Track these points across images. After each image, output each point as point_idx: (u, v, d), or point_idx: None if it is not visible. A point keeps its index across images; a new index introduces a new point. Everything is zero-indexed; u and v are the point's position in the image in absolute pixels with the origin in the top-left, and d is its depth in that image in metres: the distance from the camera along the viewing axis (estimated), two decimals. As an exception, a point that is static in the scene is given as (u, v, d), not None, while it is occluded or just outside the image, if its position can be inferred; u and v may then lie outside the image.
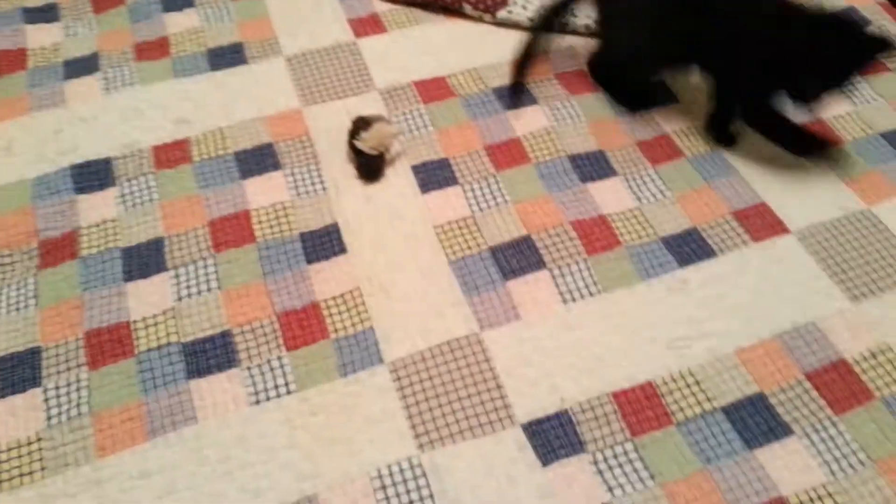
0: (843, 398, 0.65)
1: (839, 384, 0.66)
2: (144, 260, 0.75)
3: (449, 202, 0.80)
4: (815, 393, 0.66)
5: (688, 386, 0.67)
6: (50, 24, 1.00)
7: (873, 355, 0.68)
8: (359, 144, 0.81)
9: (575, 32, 0.97)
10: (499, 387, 0.67)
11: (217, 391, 0.67)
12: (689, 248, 0.76)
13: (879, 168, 0.82)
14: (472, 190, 0.81)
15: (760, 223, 0.78)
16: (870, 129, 0.86)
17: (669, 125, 0.87)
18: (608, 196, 0.80)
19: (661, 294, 0.73)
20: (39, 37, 0.98)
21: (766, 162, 0.83)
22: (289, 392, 0.67)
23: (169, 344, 0.69)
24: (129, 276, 0.74)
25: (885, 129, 0.86)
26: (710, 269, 0.74)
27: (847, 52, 0.70)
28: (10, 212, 0.79)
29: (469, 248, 0.76)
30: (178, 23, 1.00)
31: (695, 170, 0.83)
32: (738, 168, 0.83)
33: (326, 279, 0.74)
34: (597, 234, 0.77)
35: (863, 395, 0.65)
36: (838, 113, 0.88)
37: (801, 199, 0.80)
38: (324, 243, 0.77)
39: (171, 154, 0.85)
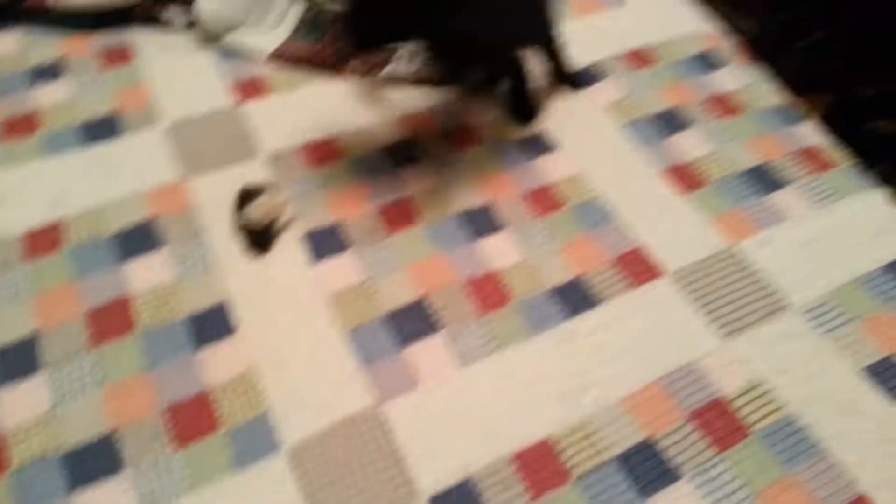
0: (724, 436, 0.69)
1: (719, 422, 0.70)
2: (17, 362, 0.71)
3: (342, 269, 0.80)
4: (698, 433, 0.69)
5: (584, 438, 0.69)
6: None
7: (746, 391, 0.72)
8: (244, 217, 0.80)
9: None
10: (400, 461, 0.67)
11: (102, 503, 0.64)
12: (575, 297, 0.79)
13: (741, 206, 0.88)
14: (364, 254, 0.81)
15: (639, 268, 0.82)
16: (731, 168, 0.92)
17: (552, 176, 0.90)
18: (497, 251, 0.82)
19: (552, 347, 0.75)
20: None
21: (642, 205, 0.87)
22: (178, 497, 0.64)
23: (46, 457, 0.66)
24: (2, 379, 0.70)
25: (744, 168, 0.92)
26: (595, 318, 0.77)
27: None
28: None
29: (364, 315, 0.76)
30: (45, 95, 0.96)
31: (577, 219, 0.86)
32: (618, 213, 0.87)
33: (216, 363, 0.72)
34: (488, 291, 0.79)
35: (739, 431, 0.69)
36: (701, 154, 0.93)
37: (673, 240, 0.84)
38: (212, 324, 0.75)
39: (43, 241, 0.80)
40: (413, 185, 0.89)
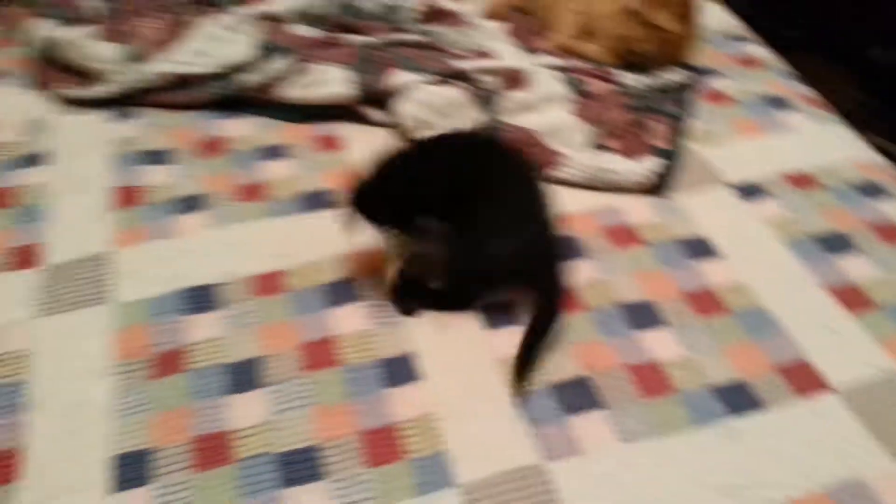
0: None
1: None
2: (244, 376, 0.85)
3: (513, 339, 0.89)
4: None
5: (741, 530, 0.72)
6: (163, 166, 1.15)
7: (920, 514, 0.73)
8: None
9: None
10: (562, 515, 0.73)
11: (308, 501, 0.74)
12: (738, 397, 0.83)
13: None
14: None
15: (805, 380, 0.85)
16: (899, 294, 0.95)
17: (714, 280, 0.97)
18: (658, 344, 0.89)
19: (715, 442, 0.79)
20: (157, 177, 1.13)
21: (808, 320, 0.91)
22: (372, 508, 0.73)
23: (265, 454, 0.77)
24: (231, 389, 0.84)
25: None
26: (761, 421, 0.81)
27: None
28: (129, 327, 0.90)
29: (532, 383, 0.84)
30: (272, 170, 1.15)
31: (740, 324, 0.91)
32: (782, 324, 0.91)
33: (402, 403, 0.82)
34: (650, 379, 0.85)
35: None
36: (869, 277, 0.97)
37: (840, 358, 0.87)
38: (400, 370, 0.86)
39: (268, 284, 0.96)
40: (577, 274, 0.97)
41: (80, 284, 0.96)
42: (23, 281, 0.96)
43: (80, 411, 0.82)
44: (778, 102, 1.27)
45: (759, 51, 1.44)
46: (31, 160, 1.14)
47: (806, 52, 2.55)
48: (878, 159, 1.18)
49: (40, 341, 0.89)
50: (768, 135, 1.21)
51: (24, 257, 0.99)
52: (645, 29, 1.26)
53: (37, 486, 0.76)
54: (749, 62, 1.39)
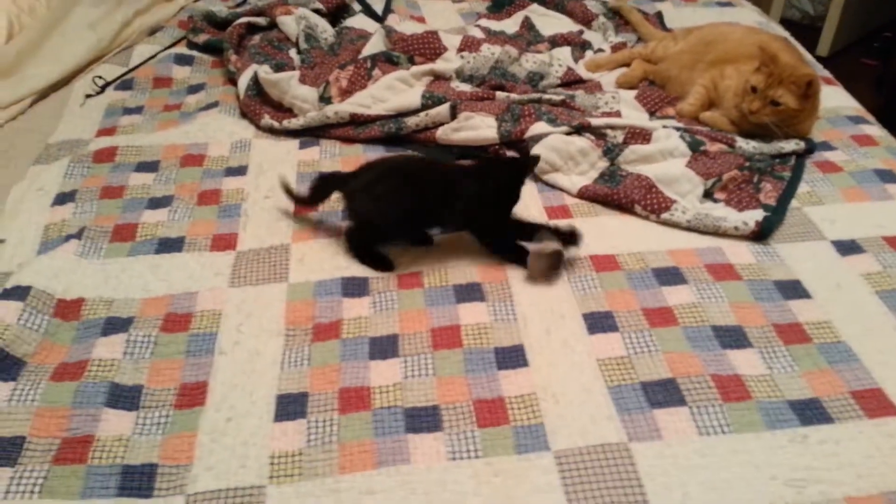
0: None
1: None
2: (384, 347, 1.04)
3: (610, 344, 1.03)
4: (915, 545, 0.77)
5: (802, 518, 0.81)
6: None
7: (970, 526, 0.79)
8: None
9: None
10: (640, 485, 0.85)
11: (426, 445, 0.91)
12: (810, 412, 0.92)
13: None
14: (630, 337, 1.04)
15: (875, 404, 0.93)
16: None
17: (802, 317, 1.07)
18: (743, 362, 1.00)
19: (784, 443, 0.89)
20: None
21: (887, 357, 0.99)
22: (477, 457, 0.89)
23: (396, 406, 0.96)
24: (373, 356, 1.03)
25: None
26: (828, 432, 0.90)
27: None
28: (298, 301, 1.13)
29: (623, 379, 0.98)
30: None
31: (821, 353, 1.01)
32: (861, 358, 0.99)
33: (511, 383, 0.98)
34: (732, 387, 0.96)
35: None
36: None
37: (914, 389, 0.95)
38: (511, 357, 1.02)
39: (408, 281, 1.16)
40: (673, 298, 1.10)
41: (263, 266, 1.20)
42: (221, 260, 1.22)
43: (256, 359, 1.05)
44: (885, 175, 1.35)
45: (876, 130, 1.52)
46: (236, 171, 1.43)
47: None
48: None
49: (230, 305, 1.13)
50: (872, 202, 1.29)
51: (224, 242, 1.26)
52: (765, 104, 1.39)
53: (219, 410, 0.98)
54: (864, 140, 1.48)
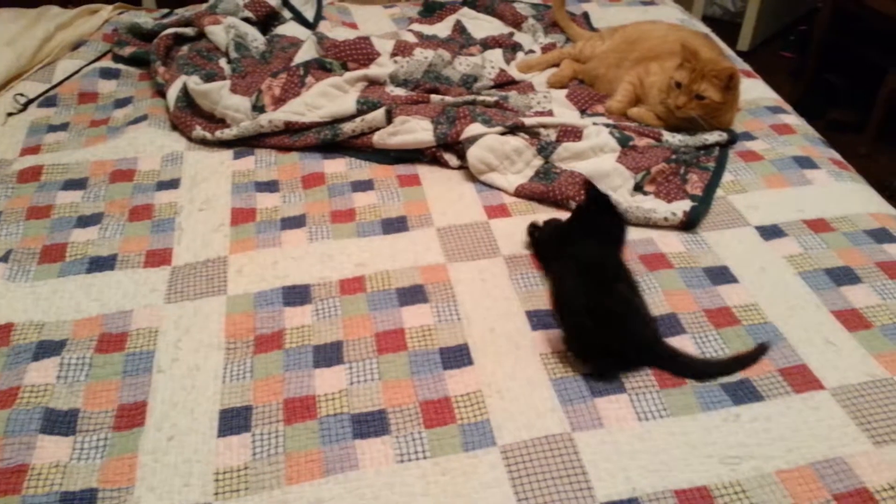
0: (865, 518, 0.81)
1: (861, 506, 0.82)
2: (328, 355, 1.04)
3: (553, 339, 1.05)
4: (841, 511, 0.82)
5: (735, 493, 0.85)
6: (273, 193, 1.39)
7: (893, 486, 0.84)
8: None
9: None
10: (584, 473, 0.87)
11: (374, 450, 0.91)
12: (741, 391, 0.97)
13: (905, 348, 1.02)
14: (572, 332, 1.07)
15: (801, 380, 0.98)
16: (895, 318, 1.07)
17: (731, 301, 1.11)
18: (678, 346, 1.03)
19: (718, 422, 0.93)
20: (267, 202, 1.36)
21: (811, 335, 1.05)
22: (426, 457, 0.90)
23: (342, 413, 0.95)
24: (317, 364, 1.03)
25: (909, 318, 1.07)
26: (759, 410, 0.94)
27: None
28: (238, 314, 1.12)
29: (566, 372, 1.00)
30: (360, 199, 1.37)
31: (749, 335, 1.05)
32: (787, 337, 1.04)
33: (457, 382, 0.99)
34: (668, 374, 0.99)
35: (882, 517, 0.81)
36: (869, 304, 1.09)
37: (836, 365, 1.00)
38: (456, 357, 1.03)
39: (351, 286, 1.16)
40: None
41: (200, 280, 1.18)
42: (156, 276, 1.20)
43: (196, 375, 1.03)
44: (804, 161, 1.42)
45: (793, 119, 1.60)
46: (168, 184, 1.40)
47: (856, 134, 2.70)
48: (891, 211, 1.30)
49: (167, 321, 1.11)
50: (792, 187, 1.36)
51: (159, 258, 1.23)
52: (690, 98, 1.44)
53: (160, 429, 0.96)
54: (782, 129, 1.55)
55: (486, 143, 1.40)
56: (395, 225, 1.30)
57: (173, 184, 1.41)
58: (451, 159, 1.46)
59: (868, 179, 1.45)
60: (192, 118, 1.55)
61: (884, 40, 2.58)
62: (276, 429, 0.94)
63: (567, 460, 0.89)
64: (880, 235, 1.23)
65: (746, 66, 1.83)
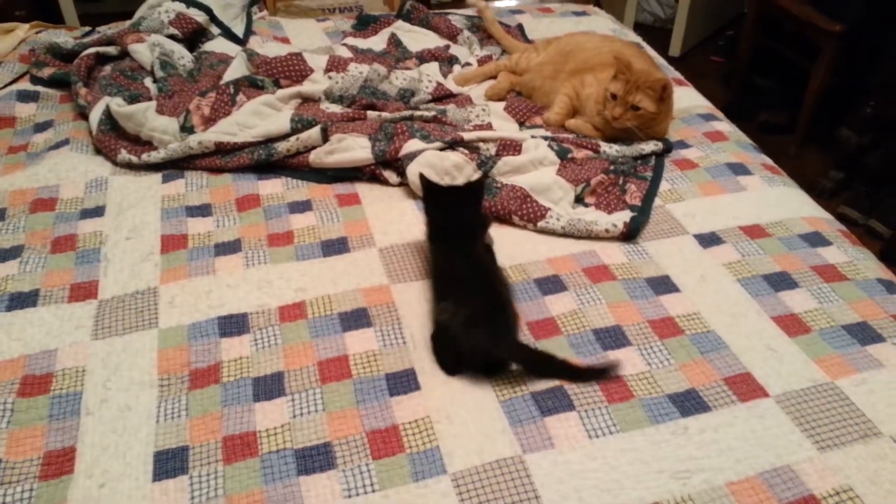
0: (813, 526, 0.82)
1: (810, 514, 0.83)
2: (269, 387, 1.00)
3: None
4: (789, 520, 0.82)
5: (688, 508, 0.84)
6: (205, 218, 1.33)
7: (837, 493, 0.85)
8: None
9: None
10: (537, 497, 0.85)
11: (320, 486, 0.87)
12: (689, 403, 0.97)
13: (841, 351, 1.04)
14: (519, 350, 1.05)
15: (746, 388, 0.99)
16: (833, 322, 1.09)
17: (674, 310, 1.12)
18: (624, 361, 1.03)
19: (667, 436, 0.93)
20: (197, 227, 1.31)
21: (752, 342, 1.06)
22: (374, 490, 0.87)
23: (285, 449, 0.91)
24: (257, 398, 0.98)
25: (844, 323, 1.09)
26: (706, 421, 0.95)
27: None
28: (171, 348, 1.06)
29: (514, 392, 0.99)
30: (298, 221, 1.33)
31: (693, 344, 1.06)
32: (729, 345, 1.06)
33: (404, 408, 0.96)
34: (615, 389, 0.99)
35: (828, 523, 0.82)
36: (807, 308, 1.12)
37: (778, 371, 1.01)
38: (403, 382, 1.00)
39: (291, 312, 1.12)
40: (557, 306, 1.13)
41: (129, 313, 1.12)
42: (81, 311, 1.13)
43: (127, 415, 0.97)
44: (737, 168, 1.45)
45: (725, 126, 1.63)
46: (92, 212, 1.33)
47: (786, 135, 2.80)
48: (824, 214, 1.34)
49: (95, 359, 1.05)
50: (728, 194, 1.38)
51: (84, 291, 1.16)
52: (626, 109, 1.45)
53: (91, 476, 0.90)
54: (715, 136, 1.59)
55: (426, 160, 1.38)
56: (335, 246, 1.26)
57: (98, 211, 1.34)
58: (391, 177, 1.43)
59: (799, 180, 1.49)
60: (116, 141, 1.49)
61: (804, 42, 2.67)
62: (215, 469, 0.90)
63: (519, 484, 0.87)
64: (814, 239, 1.26)
65: (678, 75, 1.87)
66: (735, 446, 0.91)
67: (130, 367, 1.03)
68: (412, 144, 1.42)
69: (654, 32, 3.54)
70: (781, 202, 1.37)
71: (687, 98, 1.74)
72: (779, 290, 1.15)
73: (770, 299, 1.14)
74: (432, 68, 1.77)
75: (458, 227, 1.14)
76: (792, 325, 1.09)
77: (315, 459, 0.90)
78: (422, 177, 1.20)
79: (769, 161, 1.52)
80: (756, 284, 1.17)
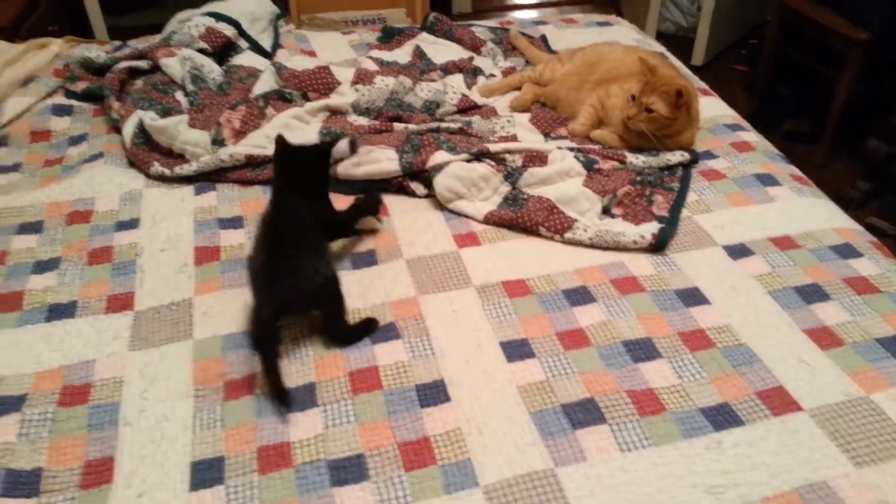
0: (851, 542, 0.81)
1: (847, 530, 0.82)
2: (301, 397, 1.01)
3: (528, 370, 1.04)
4: (825, 535, 0.82)
5: (721, 523, 0.84)
6: (237, 230, 1.35)
7: (874, 509, 0.85)
8: None
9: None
10: (569, 511, 0.86)
11: (353, 497, 0.88)
12: (721, 417, 0.97)
13: (876, 365, 1.03)
14: (547, 362, 1.05)
15: (779, 402, 0.98)
16: (867, 335, 1.08)
17: (704, 323, 1.12)
18: (655, 374, 1.03)
19: (701, 450, 0.92)
20: (229, 238, 1.33)
21: (784, 355, 1.05)
22: (407, 502, 0.87)
23: (319, 460, 0.92)
24: (290, 409, 1.00)
25: (878, 336, 1.08)
26: (740, 435, 0.94)
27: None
28: (206, 359, 1.08)
29: (545, 404, 0.99)
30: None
31: (725, 358, 1.05)
32: (761, 358, 1.05)
33: (435, 420, 0.97)
34: (646, 401, 0.99)
35: (864, 539, 0.81)
36: (841, 321, 1.11)
37: (811, 385, 1.01)
38: (433, 393, 1.01)
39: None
40: (586, 319, 1.13)
41: (165, 324, 1.14)
42: (119, 322, 1.15)
43: (164, 426, 0.99)
44: (765, 178, 1.45)
45: (752, 136, 1.63)
46: (127, 224, 1.36)
47: (810, 144, 2.78)
48: (854, 226, 1.33)
49: (132, 370, 1.07)
50: (756, 205, 1.38)
51: (120, 303, 1.19)
52: (640, 110, 1.46)
53: (129, 486, 0.92)
54: (742, 146, 1.58)
55: (453, 171, 1.39)
56: (364, 259, 1.28)
57: (133, 224, 1.36)
58: (418, 188, 1.45)
59: (824, 190, 1.48)
60: (149, 154, 1.52)
61: (829, 51, 2.66)
62: (251, 480, 0.91)
63: (552, 497, 0.87)
64: (845, 251, 1.25)
65: (704, 85, 1.86)
66: (769, 461, 0.90)
67: (167, 378, 1.05)
68: (439, 156, 1.43)
69: (676, 41, 3.53)
70: (811, 213, 1.36)
71: (713, 108, 1.73)
72: (810, 303, 1.15)
73: (802, 312, 1.13)
74: (457, 80, 1.78)
75: (288, 184, 1.19)
76: (824, 337, 1.08)
77: (348, 471, 0.91)
78: (278, 136, 1.23)
79: (797, 172, 1.51)
80: (787, 297, 1.16)
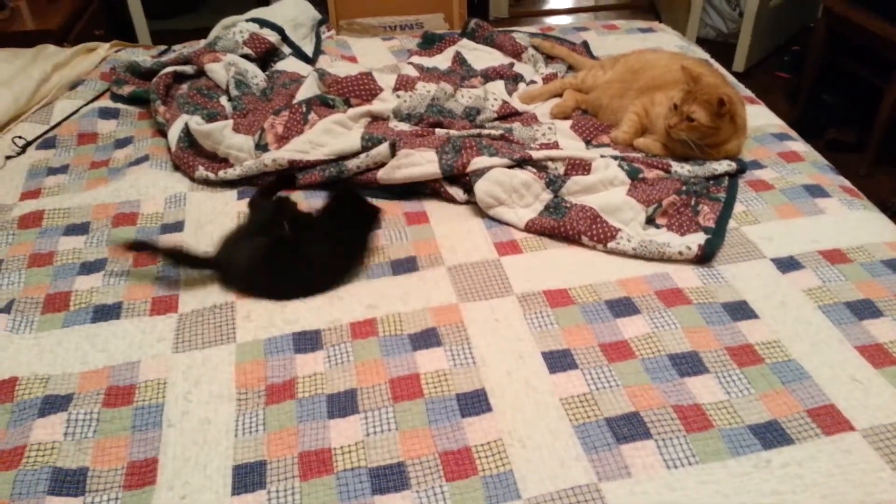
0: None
1: (904, 557, 0.79)
2: (343, 404, 1.01)
3: (571, 381, 1.03)
4: (882, 561, 0.79)
5: (772, 545, 0.82)
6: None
7: (932, 535, 0.81)
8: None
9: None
10: (613, 528, 0.84)
11: (395, 507, 0.88)
12: (770, 435, 0.94)
13: (935, 386, 1.00)
14: (590, 374, 1.04)
15: (830, 421, 0.95)
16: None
17: (752, 337, 1.09)
18: (702, 389, 1.01)
19: (749, 469, 0.90)
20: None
21: (836, 372, 1.02)
22: (448, 514, 0.87)
23: (360, 467, 0.92)
24: (332, 415, 1.00)
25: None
26: (789, 454, 0.91)
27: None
28: (248, 362, 1.09)
29: (588, 417, 0.97)
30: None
31: (774, 373, 1.03)
32: (812, 375, 1.02)
33: (476, 430, 0.96)
34: (693, 417, 0.97)
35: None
36: (894, 338, 1.07)
37: (864, 403, 0.98)
38: (475, 403, 1.00)
39: (363, 329, 1.13)
40: (629, 331, 1.11)
41: (208, 327, 1.15)
42: (163, 324, 1.17)
43: (207, 428, 1.00)
44: (814, 189, 1.41)
45: (800, 146, 1.59)
46: (172, 227, 1.38)
47: (854, 153, 2.72)
48: (908, 241, 1.29)
49: (176, 372, 1.08)
50: (805, 217, 1.34)
51: (165, 305, 1.20)
52: (682, 119, 1.43)
53: (172, 488, 0.92)
54: (790, 156, 1.54)
55: (494, 177, 1.39)
56: (404, 265, 1.28)
57: (178, 226, 1.38)
58: (458, 194, 1.44)
59: (870, 200, 1.44)
60: (194, 158, 1.54)
61: (877, 58, 2.59)
62: (293, 485, 0.91)
63: (596, 514, 0.86)
64: (897, 265, 1.22)
65: (749, 93, 1.83)
66: (820, 482, 0.88)
67: (210, 381, 1.06)
68: (480, 161, 1.42)
69: (717, 47, 3.48)
70: (862, 226, 1.32)
71: (759, 116, 1.70)
72: (862, 319, 1.11)
73: (853, 328, 1.10)
74: (498, 86, 1.78)
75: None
76: (877, 355, 1.05)
77: (389, 479, 0.91)
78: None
79: (847, 183, 1.47)
80: (838, 312, 1.13)
